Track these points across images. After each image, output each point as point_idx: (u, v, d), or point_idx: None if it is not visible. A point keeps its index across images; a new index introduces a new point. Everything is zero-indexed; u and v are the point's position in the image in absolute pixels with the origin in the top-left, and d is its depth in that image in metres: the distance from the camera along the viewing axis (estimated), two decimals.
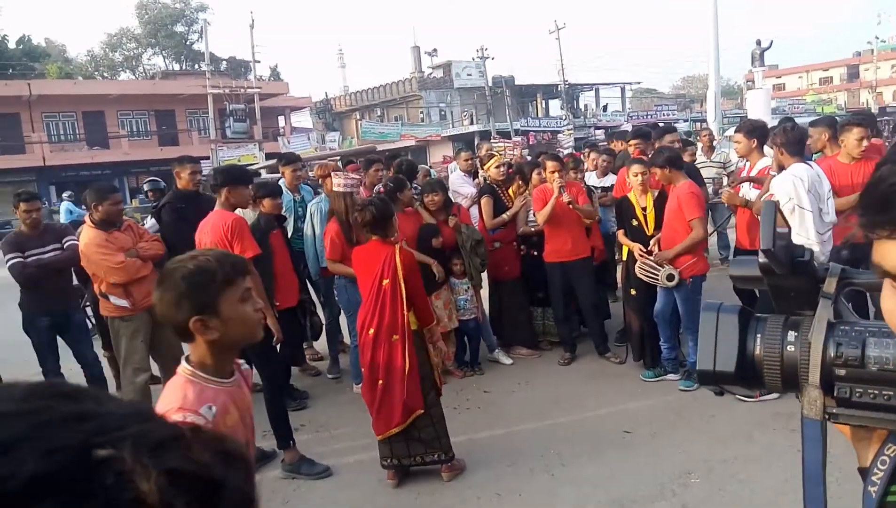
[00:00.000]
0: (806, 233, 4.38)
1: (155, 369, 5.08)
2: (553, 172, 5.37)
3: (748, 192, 5.04)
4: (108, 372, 5.46)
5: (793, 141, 4.51)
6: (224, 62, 48.38)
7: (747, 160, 5.27)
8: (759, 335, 0.77)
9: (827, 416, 0.71)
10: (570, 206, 5.32)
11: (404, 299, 3.63)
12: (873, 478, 0.66)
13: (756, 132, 5.15)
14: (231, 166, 4.61)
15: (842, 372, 0.69)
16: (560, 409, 4.76)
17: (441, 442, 3.76)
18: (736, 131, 5.62)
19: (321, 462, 4.07)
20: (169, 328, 5.28)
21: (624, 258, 5.39)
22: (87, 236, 4.80)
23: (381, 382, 3.67)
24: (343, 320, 5.68)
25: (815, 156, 5.56)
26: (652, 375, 5.11)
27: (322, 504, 3.77)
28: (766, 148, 5.22)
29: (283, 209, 5.67)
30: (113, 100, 35.37)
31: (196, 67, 46.11)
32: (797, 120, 8.85)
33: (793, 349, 0.74)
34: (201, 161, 9.53)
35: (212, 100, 32.44)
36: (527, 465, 3.85)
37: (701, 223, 4.75)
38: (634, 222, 5.14)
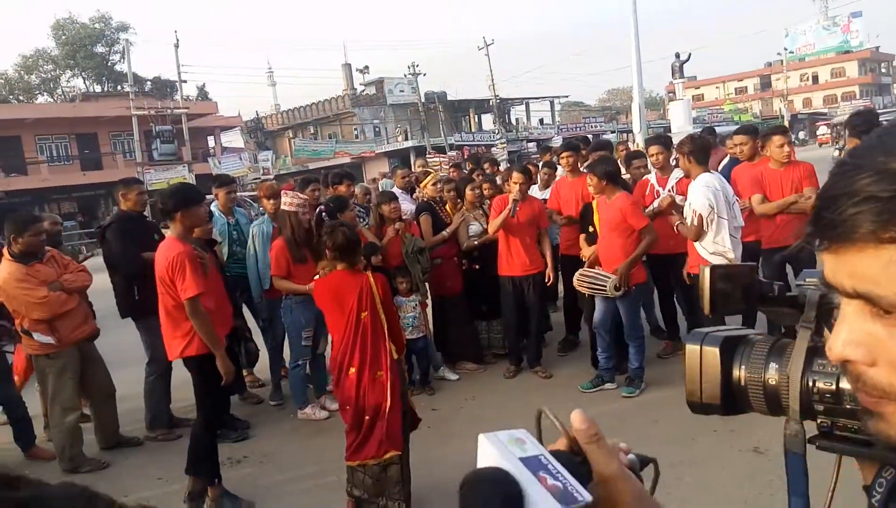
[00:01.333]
0: (722, 240, 4.58)
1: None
2: (517, 183, 5.41)
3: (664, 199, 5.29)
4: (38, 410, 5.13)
5: (700, 149, 4.75)
6: (148, 82, 46.97)
7: (662, 172, 5.59)
8: (742, 367, 0.76)
9: (814, 443, 0.71)
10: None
11: (387, 331, 3.41)
12: (873, 500, 0.66)
13: (670, 145, 5.49)
14: (180, 186, 4.34)
15: (820, 407, 0.69)
16: (508, 423, 4.75)
17: (404, 488, 3.51)
18: (650, 144, 5.89)
19: (245, 499, 3.92)
20: (98, 363, 5.01)
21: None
22: (5, 271, 4.54)
23: (367, 418, 3.43)
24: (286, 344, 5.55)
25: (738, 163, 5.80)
26: (589, 386, 5.17)
27: None
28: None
29: (216, 233, 5.52)
30: (30, 124, 33.81)
31: (119, 88, 44.66)
32: (717, 129, 9.28)
33: (773, 381, 0.73)
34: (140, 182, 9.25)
35: (136, 122, 31.48)
36: None
37: (651, 230, 4.87)
38: (591, 229, 5.29)
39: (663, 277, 5.72)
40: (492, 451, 0.64)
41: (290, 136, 45.29)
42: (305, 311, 5.09)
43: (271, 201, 5.70)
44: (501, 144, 36.16)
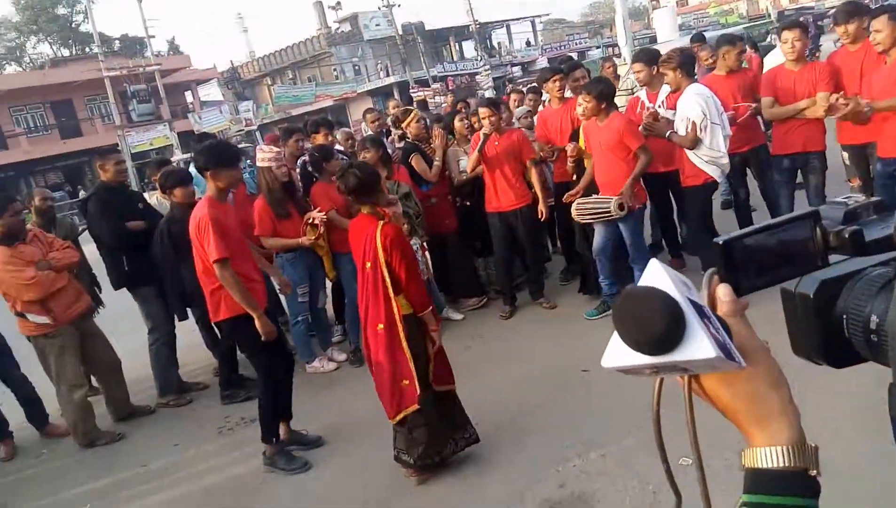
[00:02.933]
0: (717, 146, 4.59)
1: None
2: (485, 118, 5.23)
3: (666, 114, 5.11)
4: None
5: (687, 62, 4.83)
6: (116, 42, 45.53)
7: (650, 88, 5.40)
8: (844, 316, 0.66)
9: None
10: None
11: (387, 285, 3.26)
12: None
13: (655, 59, 5.26)
14: (214, 145, 4.12)
15: None
16: (516, 359, 4.75)
17: (427, 449, 3.38)
18: (634, 61, 5.66)
19: (298, 459, 3.90)
20: (98, 337, 4.98)
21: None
22: None
23: (377, 373, 3.39)
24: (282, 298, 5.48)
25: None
26: (595, 313, 5.13)
27: (293, 496, 3.65)
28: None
29: (200, 195, 5.38)
30: (2, 96, 32.85)
31: (87, 50, 43.22)
32: (706, 34, 8.94)
33: (875, 337, 0.63)
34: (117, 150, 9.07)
35: (110, 83, 30.67)
36: (492, 421, 3.83)
37: (647, 150, 4.74)
38: (571, 157, 5.16)
39: (661, 196, 5.61)
40: (664, 278, 0.61)
41: (269, 83, 44.14)
42: (298, 267, 5.01)
43: None
44: (486, 70, 35.34)
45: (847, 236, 0.68)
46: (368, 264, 3.29)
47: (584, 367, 4.33)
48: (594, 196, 4.92)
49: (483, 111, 5.30)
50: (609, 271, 5.04)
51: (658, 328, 0.57)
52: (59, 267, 4.59)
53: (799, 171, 5.10)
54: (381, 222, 3.29)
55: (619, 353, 0.60)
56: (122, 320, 5.98)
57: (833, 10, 5.32)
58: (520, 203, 5.40)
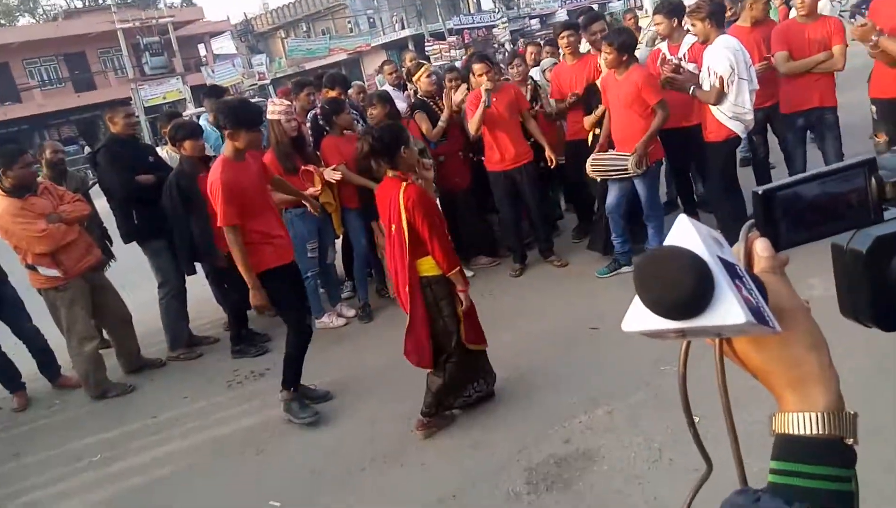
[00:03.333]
0: (743, 102, 4.45)
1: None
2: (481, 74, 5.09)
3: (687, 67, 4.93)
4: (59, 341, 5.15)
5: (717, 12, 4.60)
6: None
7: (671, 40, 5.20)
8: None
9: None
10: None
11: (408, 248, 3.25)
12: None
13: (676, 11, 5.06)
14: (236, 104, 4.00)
15: None
16: (525, 316, 4.72)
17: (436, 400, 3.48)
18: (655, 13, 5.44)
19: (311, 408, 3.93)
20: (109, 290, 4.98)
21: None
22: (0, 207, 4.41)
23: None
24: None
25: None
26: (606, 271, 5.06)
27: (301, 448, 3.69)
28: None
29: (210, 148, 5.32)
30: (16, 49, 32.70)
31: (100, 1, 42.77)
32: None
33: None
34: (129, 103, 9.01)
35: (123, 36, 30.44)
36: (501, 377, 3.81)
37: (665, 105, 4.59)
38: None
39: (678, 152, 5.47)
40: (692, 236, 0.56)
41: (283, 36, 43.52)
42: (307, 222, 4.96)
43: None
44: (503, 23, 34.54)
45: None
46: (394, 227, 3.29)
47: (593, 325, 4.30)
48: (611, 152, 4.81)
49: (478, 67, 5.14)
50: (622, 228, 4.95)
51: (684, 291, 0.52)
52: (69, 220, 4.58)
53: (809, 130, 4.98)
54: (405, 184, 3.27)
55: (640, 317, 0.55)
56: (133, 273, 6.01)
57: None
58: (522, 160, 5.30)
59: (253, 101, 17.41)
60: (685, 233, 0.56)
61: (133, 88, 29.52)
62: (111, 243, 5.70)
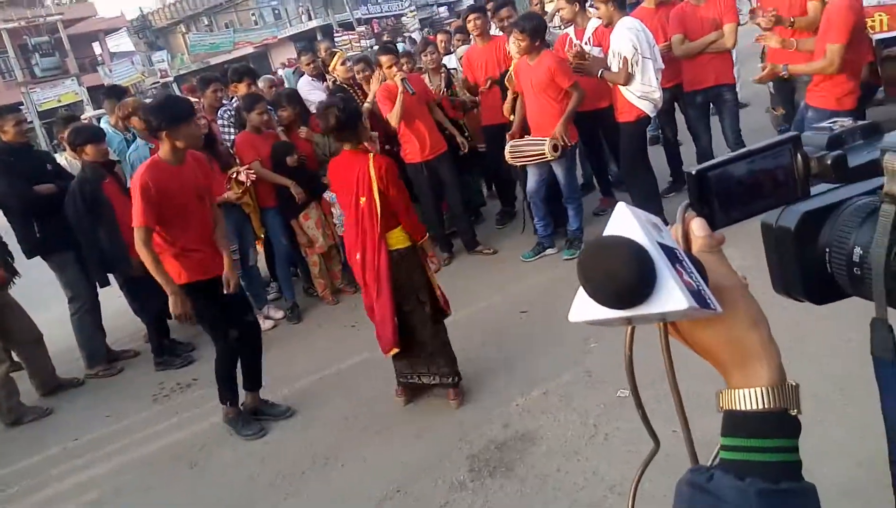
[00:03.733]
0: (649, 81, 4.59)
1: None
2: (389, 66, 5.06)
3: (592, 51, 5.06)
4: None
5: None
6: None
7: (577, 25, 5.33)
8: (827, 249, 0.63)
9: None
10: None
11: (380, 220, 3.24)
12: None
13: None
14: (165, 100, 3.67)
15: None
16: (456, 305, 4.72)
17: (439, 364, 3.53)
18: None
19: (256, 423, 3.78)
20: (15, 308, 4.67)
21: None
22: None
23: (374, 306, 3.45)
24: None
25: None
26: (531, 255, 5.16)
27: (236, 458, 3.58)
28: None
29: (114, 152, 5.06)
30: None
31: None
32: None
33: (858, 270, 0.59)
34: (19, 109, 8.42)
35: (8, 36, 28.39)
36: None
37: (579, 88, 4.69)
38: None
39: (591, 134, 5.61)
40: (632, 224, 0.56)
41: (183, 31, 41.78)
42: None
43: (138, 119, 5.02)
44: (411, 12, 34.42)
45: (829, 162, 0.63)
46: (363, 199, 3.26)
47: (523, 309, 4.37)
48: (527, 138, 4.88)
49: (385, 59, 5.11)
50: (543, 212, 5.05)
51: (626, 281, 0.52)
52: None
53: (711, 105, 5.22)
54: (372, 155, 3.31)
55: (586, 307, 0.55)
56: (42, 289, 5.66)
57: None
58: (440, 149, 5.33)
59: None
60: (624, 221, 0.57)
61: (24, 92, 27.67)
62: (13, 259, 5.32)
